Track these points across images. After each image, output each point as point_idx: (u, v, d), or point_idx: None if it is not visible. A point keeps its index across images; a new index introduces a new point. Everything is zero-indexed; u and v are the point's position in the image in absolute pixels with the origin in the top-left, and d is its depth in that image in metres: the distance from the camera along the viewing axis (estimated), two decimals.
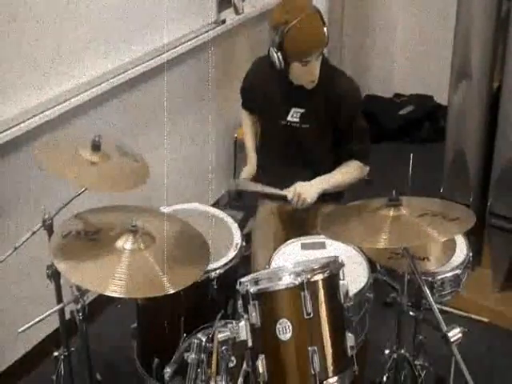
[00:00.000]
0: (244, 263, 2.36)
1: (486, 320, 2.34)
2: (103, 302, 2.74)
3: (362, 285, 2.12)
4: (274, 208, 2.64)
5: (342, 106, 2.46)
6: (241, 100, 2.82)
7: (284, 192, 2.45)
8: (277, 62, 2.36)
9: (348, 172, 2.52)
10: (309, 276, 1.76)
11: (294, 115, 2.50)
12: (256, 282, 1.79)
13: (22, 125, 2.48)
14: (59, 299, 2.17)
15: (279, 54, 2.34)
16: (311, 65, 2.37)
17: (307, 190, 2.42)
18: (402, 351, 2.32)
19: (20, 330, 1.90)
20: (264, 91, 2.56)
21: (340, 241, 2.22)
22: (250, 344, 1.77)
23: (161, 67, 3.11)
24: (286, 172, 2.54)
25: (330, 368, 1.75)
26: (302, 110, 2.49)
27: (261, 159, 2.67)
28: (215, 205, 3.42)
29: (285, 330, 1.73)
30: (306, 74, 2.40)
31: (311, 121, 2.49)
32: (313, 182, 2.46)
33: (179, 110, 3.41)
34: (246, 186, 2.55)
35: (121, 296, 1.79)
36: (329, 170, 2.52)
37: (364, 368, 2.23)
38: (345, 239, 2.14)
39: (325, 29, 2.36)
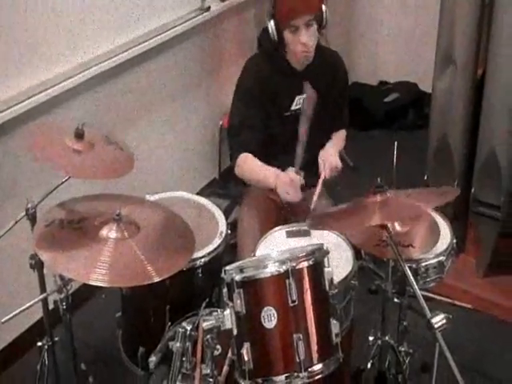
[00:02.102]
0: (229, 251, 2.36)
1: (469, 306, 2.37)
2: (87, 291, 2.74)
3: (347, 272, 2.12)
4: (261, 196, 2.63)
5: (336, 78, 2.60)
6: (232, 140, 2.53)
7: (322, 174, 2.44)
8: (271, 32, 2.39)
9: (342, 138, 2.70)
10: (294, 264, 1.76)
11: (297, 102, 2.51)
12: (241, 270, 1.79)
13: (5, 112, 2.45)
14: (42, 289, 2.16)
15: (272, 22, 2.38)
16: (300, 33, 2.36)
17: (334, 158, 2.47)
18: (387, 338, 2.33)
19: (3, 320, 1.88)
20: (265, 88, 2.48)
21: (328, 229, 2.23)
22: (235, 332, 1.77)
23: (145, 55, 3.09)
24: (290, 159, 2.48)
25: (315, 355, 1.75)
26: (305, 95, 2.48)
27: (265, 153, 2.56)
28: (200, 193, 3.40)
29: (270, 318, 1.73)
30: (297, 45, 2.38)
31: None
32: (330, 150, 2.53)
33: (164, 98, 3.39)
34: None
35: (105, 285, 1.78)
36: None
37: (349, 355, 2.24)
38: (334, 227, 2.16)
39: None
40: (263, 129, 2.48)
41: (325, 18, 2.42)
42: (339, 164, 2.46)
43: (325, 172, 2.43)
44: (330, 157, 2.48)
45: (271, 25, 2.38)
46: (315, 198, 2.36)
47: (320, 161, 2.48)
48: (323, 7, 2.41)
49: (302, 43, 2.37)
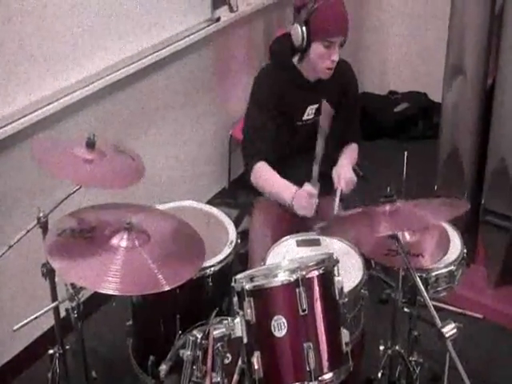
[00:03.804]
0: (239, 260, 2.37)
1: (480, 316, 2.36)
2: (98, 299, 2.75)
3: (357, 281, 2.13)
4: (272, 205, 2.63)
5: (348, 89, 2.60)
6: (246, 149, 2.52)
7: (339, 188, 2.45)
8: (299, 38, 2.39)
9: (354, 153, 2.68)
10: (304, 273, 1.76)
11: (309, 112, 2.53)
12: (251, 278, 1.79)
13: (17, 123, 2.47)
14: (54, 297, 2.17)
15: (304, 29, 2.37)
16: (333, 49, 2.38)
17: (349, 173, 2.47)
18: (397, 347, 2.33)
19: (15, 328, 1.89)
20: (278, 98, 2.49)
21: (338, 237, 2.23)
22: (245, 341, 1.77)
23: (155, 65, 3.11)
24: (300, 167, 2.52)
25: (326, 364, 1.75)
26: (317, 105, 2.51)
27: (276, 162, 2.55)
28: (209, 203, 3.41)
29: (280, 327, 1.73)
30: (325, 59, 2.40)
31: None
32: (344, 164, 2.52)
33: (174, 108, 3.40)
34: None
35: (116, 293, 1.79)
36: (336, 159, 2.58)
37: (359, 364, 2.23)
38: (343, 235, 2.17)
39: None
40: (275, 138, 2.49)
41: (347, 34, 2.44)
42: (354, 178, 2.47)
43: (340, 186, 2.43)
44: (345, 171, 2.48)
45: (302, 31, 2.37)
46: (336, 208, 2.37)
47: (334, 175, 2.48)
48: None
49: (332, 60, 2.40)
